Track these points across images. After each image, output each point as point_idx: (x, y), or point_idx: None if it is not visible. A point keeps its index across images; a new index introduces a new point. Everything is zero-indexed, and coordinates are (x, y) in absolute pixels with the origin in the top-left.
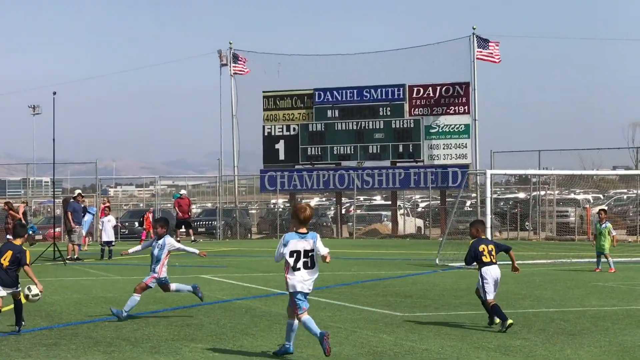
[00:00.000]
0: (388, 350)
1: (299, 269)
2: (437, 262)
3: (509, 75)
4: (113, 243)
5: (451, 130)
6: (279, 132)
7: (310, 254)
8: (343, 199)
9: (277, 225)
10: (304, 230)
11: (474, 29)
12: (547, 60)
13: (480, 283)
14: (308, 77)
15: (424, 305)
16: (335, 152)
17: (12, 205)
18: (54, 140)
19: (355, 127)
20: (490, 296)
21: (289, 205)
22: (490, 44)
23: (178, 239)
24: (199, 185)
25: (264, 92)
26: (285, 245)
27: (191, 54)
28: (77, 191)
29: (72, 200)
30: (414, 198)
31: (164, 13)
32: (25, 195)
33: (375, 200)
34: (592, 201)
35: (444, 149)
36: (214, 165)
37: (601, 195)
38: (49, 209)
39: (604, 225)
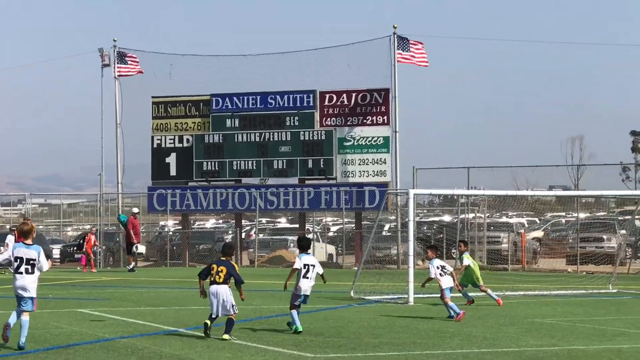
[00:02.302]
0: None
1: (21, 272)
2: (352, 294)
3: (435, 82)
4: None
5: (368, 143)
6: (170, 143)
7: (31, 262)
8: (243, 221)
9: (167, 251)
10: (29, 241)
11: (394, 28)
12: (479, 65)
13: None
14: (205, 81)
15: (337, 344)
16: (234, 168)
17: None
18: None
19: (258, 139)
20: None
21: (181, 228)
22: (412, 44)
23: (133, 264)
24: (75, 204)
25: (153, 97)
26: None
27: (69, 53)
28: None
29: None
30: (324, 221)
31: (35, 4)
32: None
33: (280, 223)
34: (527, 225)
35: (359, 164)
36: (93, 181)
37: (537, 219)
38: None
39: (462, 256)
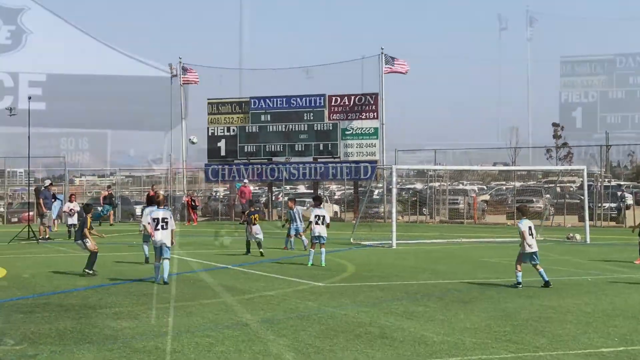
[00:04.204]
0: (313, 315)
1: (158, 229)
2: (352, 240)
3: (414, 86)
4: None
5: (363, 132)
6: (220, 132)
7: (165, 220)
8: (273, 188)
9: (218, 209)
10: (161, 207)
11: (382, 49)
12: (448, 76)
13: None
14: (245, 87)
15: (342, 277)
16: (267, 150)
17: None
18: (29, 137)
19: (284, 129)
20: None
21: (229, 193)
22: (396, 61)
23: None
24: (152, 175)
25: (208, 99)
26: (150, 214)
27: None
28: (48, 181)
29: (43, 188)
30: (331, 188)
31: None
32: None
33: (299, 189)
34: (477, 191)
35: (356, 147)
36: (166, 158)
37: (485, 187)
38: (23, 196)
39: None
